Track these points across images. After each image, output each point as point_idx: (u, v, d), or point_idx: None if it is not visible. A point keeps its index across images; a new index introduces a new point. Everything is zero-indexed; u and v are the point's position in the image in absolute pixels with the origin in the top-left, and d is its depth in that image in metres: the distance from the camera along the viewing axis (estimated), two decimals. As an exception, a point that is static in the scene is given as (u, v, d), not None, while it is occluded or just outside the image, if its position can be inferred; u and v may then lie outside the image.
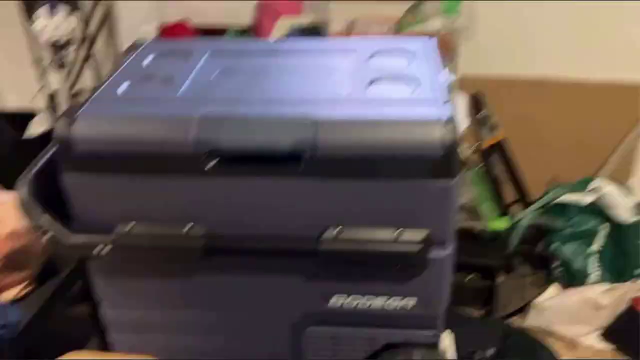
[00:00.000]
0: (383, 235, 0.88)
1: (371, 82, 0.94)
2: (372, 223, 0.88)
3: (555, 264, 1.80)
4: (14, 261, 1.38)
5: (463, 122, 1.61)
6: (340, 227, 0.88)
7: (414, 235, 0.88)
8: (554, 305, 1.83)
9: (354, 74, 0.97)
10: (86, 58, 2.07)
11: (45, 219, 0.86)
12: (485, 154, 2.09)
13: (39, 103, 2.13)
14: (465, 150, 1.91)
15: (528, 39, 2.06)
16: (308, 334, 1.01)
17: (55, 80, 2.00)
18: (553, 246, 1.81)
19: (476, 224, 1.91)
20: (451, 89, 0.93)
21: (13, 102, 2.37)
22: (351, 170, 0.84)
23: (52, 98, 2.05)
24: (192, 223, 0.89)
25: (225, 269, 0.94)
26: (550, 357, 1.76)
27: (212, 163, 0.85)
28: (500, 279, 2.00)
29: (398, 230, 0.88)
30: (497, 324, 1.82)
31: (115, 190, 0.87)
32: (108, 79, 0.97)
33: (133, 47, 1.10)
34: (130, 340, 1.05)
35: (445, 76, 0.95)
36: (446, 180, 0.84)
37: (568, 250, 1.78)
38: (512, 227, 1.83)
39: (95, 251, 0.89)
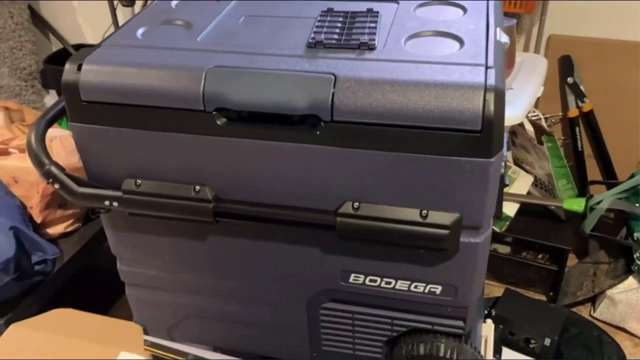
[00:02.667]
0: (407, 215, 0.78)
1: (410, 36, 0.82)
2: (397, 200, 0.78)
3: (636, 254, 1.60)
4: (62, 198, 1.41)
5: (538, 89, 1.43)
6: (359, 202, 0.79)
7: (442, 218, 0.77)
8: (630, 299, 1.64)
9: (394, 25, 0.85)
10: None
11: (53, 168, 0.83)
12: (570, 125, 1.88)
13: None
14: (540, 120, 1.72)
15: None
16: (325, 310, 0.94)
17: (125, 15, 1.99)
18: (635, 235, 1.60)
19: (551, 201, 1.74)
20: (502, 52, 0.79)
21: (90, 36, 2.41)
22: (372, 139, 0.74)
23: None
24: (199, 185, 0.82)
25: (235, 234, 0.88)
26: (617, 354, 1.60)
27: (220, 121, 0.77)
28: (572, 263, 1.83)
29: (424, 211, 0.78)
30: (561, 312, 1.66)
31: (122, 143, 0.82)
32: (129, 20, 0.91)
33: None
34: (144, 297, 1.02)
35: (499, 37, 0.81)
36: (483, 159, 0.72)
37: (652, 240, 1.57)
38: (591, 209, 1.64)
39: (104, 205, 0.85)
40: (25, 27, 2.22)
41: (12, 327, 0.79)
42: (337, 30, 0.83)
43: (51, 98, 2.39)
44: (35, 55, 2.29)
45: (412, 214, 0.78)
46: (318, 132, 0.75)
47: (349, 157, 0.76)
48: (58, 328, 0.80)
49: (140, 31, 0.87)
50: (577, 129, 1.86)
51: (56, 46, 2.46)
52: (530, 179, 1.79)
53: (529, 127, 1.68)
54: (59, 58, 2.25)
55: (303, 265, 0.89)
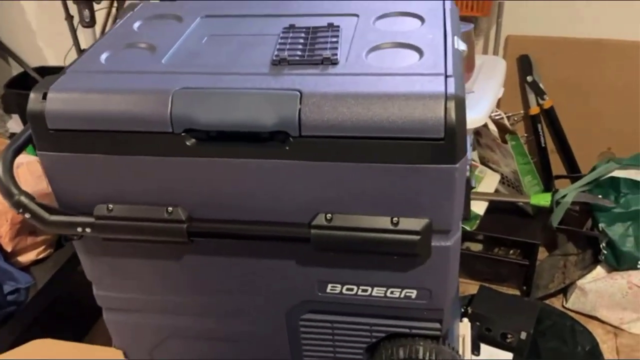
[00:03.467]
0: (378, 223, 0.80)
1: (371, 49, 0.84)
2: (368, 210, 0.80)
3: (602, 244, 1.65)
4: (32, 225, 1.39)
5: (499, 90, 1.47)
6: (331, 213, 0.81)
7: (412, 224, 0.79)
8: (599, 288, 1.69)
9: (355, 38, 0.87)
10: (117, 16, 2.03)
11: (23, 198, 0.83)
12: (532, 122, 1.93)
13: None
14: (503, 120, 1.76)
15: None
16: (304, 321, 0.95)
17: (85, 38, 1.97)
18: (600, 225, 1.65)
19: (518, 198, 1.78)
20: (461, 59, 0.82)
21: (52, 59, 2.38)
22: (341, 152, 0.76)
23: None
24: (172, 206, 0.83)
25: (211, 252, 0.89)
26: (590, 342, 1.65)
27: (189, 142, 0.78)
28: (542, 257, 1.88)
29: (395, 219, 0.79)
30: (535, 305, 1.70)
31: (92, 170, 0.82)
32: (92, 46, 0.91)
33: (129, 8, 1.03)
34: (122, 320, 1.02)
35: (457, 45, 0.84)
36: (448, 165, 0.74)
37: (617, 230, 1.62)
38: (557, 203, 1.69)
39: (76, 232, 0.85)
40: (-17, 52, 2.19)
41: (-10, 361, 0.78)
42: (300, 47, 0.85)
43: (14, 123, 2.35)
44: (-5, 80, 2.26)
45: (384, 222, 0.80)
46: (287, 148, 0.76)
47: (319, 170, 0.77)
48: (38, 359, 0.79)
49: (104, 56, 0.87)
50: (539, 126, 1.91)
51: (16, 70, 2.43)
52: (497, 177, 1.83)
53: (492, 127, 1.72)
54: (20, 82, 2.22)
55: (280, 278, 0.90)
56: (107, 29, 2.00)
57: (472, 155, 1.90)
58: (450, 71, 0.77)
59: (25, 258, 1.42)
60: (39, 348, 0.80)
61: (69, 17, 1.97)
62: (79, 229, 0.84)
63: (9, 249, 1.38)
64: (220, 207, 0.83)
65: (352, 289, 0.90)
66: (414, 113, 0.72)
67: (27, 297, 1.33)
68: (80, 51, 2.02)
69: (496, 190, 1.86)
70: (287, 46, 0.85)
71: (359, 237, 0.80)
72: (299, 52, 0.83)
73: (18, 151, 0.85)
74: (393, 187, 0.77)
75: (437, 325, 0.92)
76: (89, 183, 0.84)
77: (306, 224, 0.81)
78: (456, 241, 0.84)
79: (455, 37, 0.86)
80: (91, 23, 1.85)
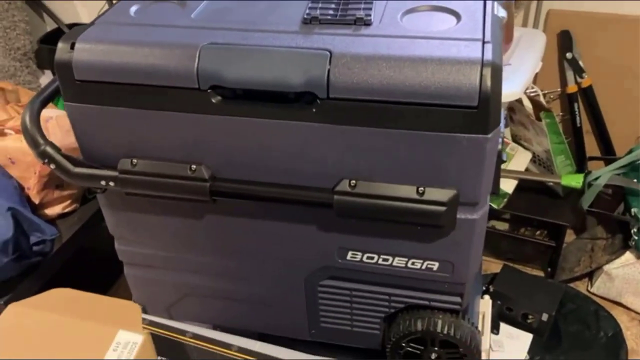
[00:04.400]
0: (403, 192, 0.78)
1: (406, 11, 0.81)
2: (394, 178, 0.78)
3: (634, 230, 1.60)
4: (59, 178, 1.41)
5: (537, 64, 1.42)
6: (355, 180, 0.79)
7: (439, 195, 0.77)
8: (627, 274, 1.65)
9: (391, 0, 0.84)
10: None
11: (49, 149, 0.83)
12: (568, 101, 1.87)
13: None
14: (538, 97, 1.71)
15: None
16: (323, 287, 0.95)
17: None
18: (633, 210, 1.60)
19: (549, 177, 1.73)
20: (500, 26, 0.78)
21: (85, 16, 2.38)
22: (369, 116, 0.73)
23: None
24: (196, 164, 0.82)
25: (233, 213, 0.88)
26: (614, 328, 1.61)
27: (215, 99, 0.77)
28: (569, 239, 1.84)
29: (421, 188, 0.77)
30: (559, 287, 1.67)
31: (117, 123, 0.82)
32: (122, -1, 0.90)
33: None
34: (142, 276, 1.03)
35: (496, 11, 0.80)
36: (480, 135, 0.72)
37: (650, 216, 1.58)
38: (589, 185, 1.64)
39: (100, 185, 0.85)
40: (18, 6, 2.19)
41: (10, 307, 0.79)
42: (333, 6, 0.82)
43: (47, 78, 2.37)
44: (30, 35, 2.26)
45: (409, 191, 0.78)
46: (314, 110, 0.74)
47: (346, 134, 0.75)
48: (56, 307, 0.80)
49: (133, 9, 0.86)
50: (575, 105, 1.85)
51: (50, 26, 2.44)
52: (529, 155, 1.79)
53: (527, 104, 1.67)
54: (54, 38, 2.23)
55: (300, 243, 0.89)
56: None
57: (503, 131, 1.85)
58: (488, 37, 0.74)
59: (52, 211, 1.44)
60: (58, 296, 0.81)
61: (103, -26, 1.96)
62: (103, 182, 0.84)
63: (36, 201, 1.40)
64: (244, 168, 0.82)
65: (372, 258, 0.88)
66: (448, 78, 0.69)
67: (53, 248, 1.35)
68: (113, 9, 2.02)
69: (527, 169, 1.81)
70: (320, 5, 0.82)
71: (383, 206, 0.79)
72: (331, 12, 0.80)
73: (45, 102, 0.85)
74: (421, 156, 0.75)
75: (458, 299, 0.90)
76: (113, 136, 0.83)
77: (329, 189, 0.80)
78: (483, 215, 0.81)
79: (495, 3, 0.83)
80: (124, -20, 1.84)
